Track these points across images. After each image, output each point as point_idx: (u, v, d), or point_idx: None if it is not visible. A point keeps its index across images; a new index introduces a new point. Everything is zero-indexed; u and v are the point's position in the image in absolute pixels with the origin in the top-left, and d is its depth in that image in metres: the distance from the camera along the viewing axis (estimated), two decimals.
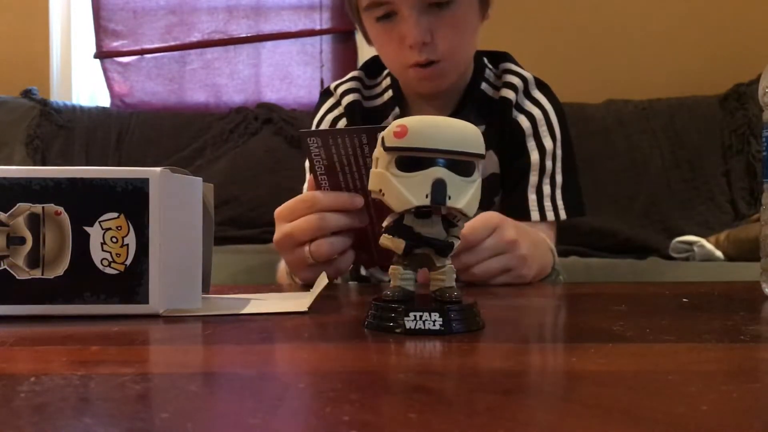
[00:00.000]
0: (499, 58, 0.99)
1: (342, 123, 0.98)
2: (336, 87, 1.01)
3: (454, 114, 0.95)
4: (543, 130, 0.93)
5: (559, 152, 0.93)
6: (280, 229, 0.68)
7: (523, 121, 0.93)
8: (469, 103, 0.95)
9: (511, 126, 0.93)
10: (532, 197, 0.91)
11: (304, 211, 0.66)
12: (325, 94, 1.03)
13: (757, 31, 2.11)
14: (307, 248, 0.65)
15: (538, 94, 0.95)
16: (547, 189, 0.92)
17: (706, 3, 2.16)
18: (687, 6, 2.16)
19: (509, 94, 0.93)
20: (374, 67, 1.02)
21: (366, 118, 0.97)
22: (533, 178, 0.92)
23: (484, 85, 0.96)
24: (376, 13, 0.88)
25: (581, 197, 0.96)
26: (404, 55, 0.88)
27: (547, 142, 0.92)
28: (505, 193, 0.94)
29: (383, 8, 0.87)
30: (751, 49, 2.04)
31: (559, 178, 0.93)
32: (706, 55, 2.11)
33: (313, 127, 1.01)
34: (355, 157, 0.64)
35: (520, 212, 0.87)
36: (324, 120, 1.00)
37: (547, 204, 0.92)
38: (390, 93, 0.99)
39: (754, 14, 2.14)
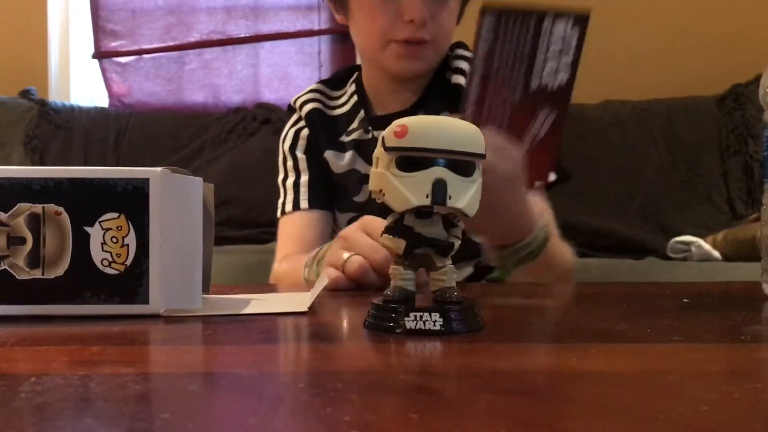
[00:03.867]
0: (454, 46, 1.00)
1: (303, 133, 1.01)
2: (296, 100, 1.04)
3: (418, 105, 0.96)
4: None
5: None
6: (352, 230, 0.67)
7: None
8: (433, 92, 0.96)
9: None
10: None
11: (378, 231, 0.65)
12: (290, 110, 1.06)
13: (755, 32, 2.11)
14: (347, 254, 0.64)
15: None
16: None
17: (704, 4, 2.16)
18: (685, 7, 2.16)
19: (459, 79, 0.95)
20: (337, 81, 1.05)
21: (327, 124, 1.00)
22: None
23: (448, 73, 0.98)
24: None
25: (562, 160, 0.95)
26: (395, 29, 0.89)
27: None
28: None
29: None
30: (749, 49, 2.04)
31: None
32: (703, 55, 2.12)
33: (280, 145, 1.03)
34: (516, 45, 0.63)
35: None
36: (288, 134, 1.02)
37: None
38: (355, 98, 1.01)
39: (752, 15, 2.14)
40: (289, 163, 1.01)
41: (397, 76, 0.95)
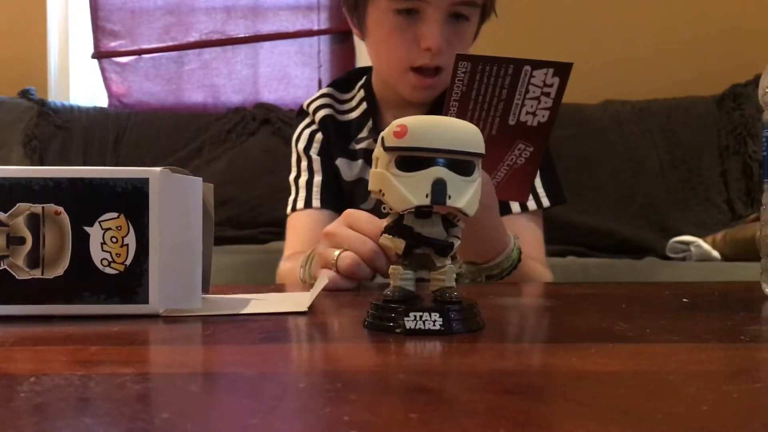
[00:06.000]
0: None
1: (318, 137, 1.02)
2: (308, 105, 1.04)
3: None
4: None
5: None
6: (335, 226, 0.67)
7: None
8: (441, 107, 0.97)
9: None
10: None
11: (367, 224, 0.65)
12: (301, 113, 1.06)
13: (754, 32, 2.11)
14: (337, 252, 0.65)
15: None
16: None
17: (703, 4, 2.16)
18: (684, 7, 2.16)
19: None
20: (345, 83, 1.05)
21: (340, 131, 1.01)
22: None
23: None
24: (398, 5, 0.88)
25: (560, 184, 0.96)
26: (413, 55, 0.89)
27: None
28: None
29: (409, 2, 0.87)
30: (748, 49, 2.04)
31: None
32: (702, 55, 2.12)
33: (293, 145, 1.04)
34: (493, 88, 0.65)
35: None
36: (303, 135, 1.03)
37: None
38: (364, 105, 1.01)
39: (750, 15, 2.14)
40: (303, 164, 1.02)
41: (401, 105, 0.96)
